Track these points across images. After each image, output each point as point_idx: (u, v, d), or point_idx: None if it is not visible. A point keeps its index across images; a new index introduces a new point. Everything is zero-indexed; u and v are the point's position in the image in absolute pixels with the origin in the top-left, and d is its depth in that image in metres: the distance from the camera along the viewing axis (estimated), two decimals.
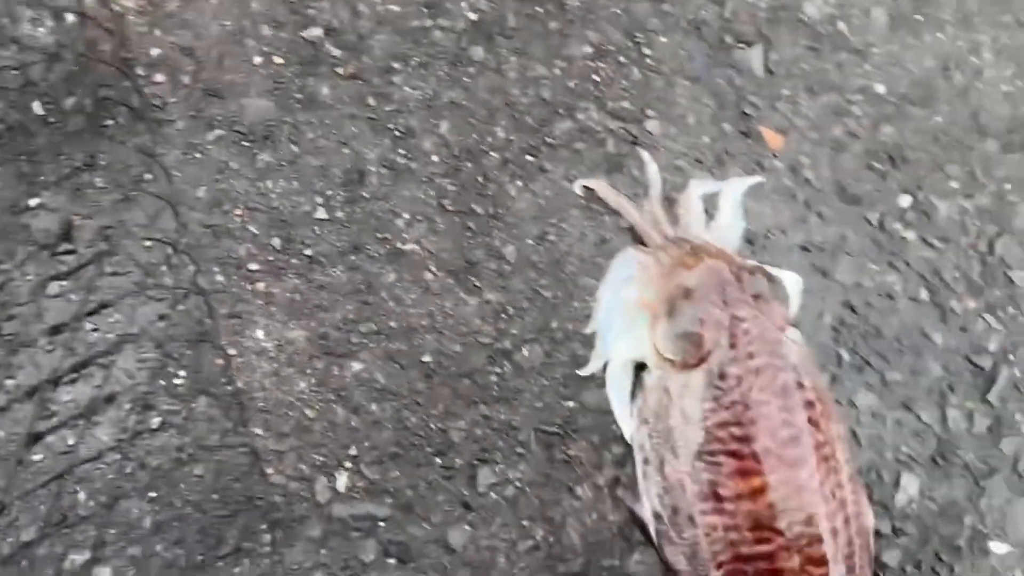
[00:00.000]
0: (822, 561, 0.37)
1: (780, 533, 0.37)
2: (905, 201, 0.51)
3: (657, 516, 0.39)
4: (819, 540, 0.37)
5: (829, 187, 0.49)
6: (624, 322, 0.40)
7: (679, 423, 0.38)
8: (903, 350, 0.48)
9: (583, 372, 0.44)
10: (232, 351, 0.42)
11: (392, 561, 0.40)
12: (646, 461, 0.39)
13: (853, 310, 0.48)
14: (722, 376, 0.38)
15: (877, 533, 0.45)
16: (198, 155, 0.46)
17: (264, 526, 0.40)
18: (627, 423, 0.41)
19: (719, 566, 0.37)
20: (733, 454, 0.37)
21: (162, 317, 0.42)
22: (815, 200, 0.49)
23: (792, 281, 0.44)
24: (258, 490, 0.40)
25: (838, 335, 0.47)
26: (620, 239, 0.46)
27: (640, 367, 0.42)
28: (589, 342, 0.45)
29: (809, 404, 0.38)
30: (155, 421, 0.41)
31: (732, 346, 0.38)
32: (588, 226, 0.47)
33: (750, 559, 0.37)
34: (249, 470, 0.40)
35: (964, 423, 0.47)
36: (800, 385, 0.38)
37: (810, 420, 0.38)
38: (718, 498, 0.37)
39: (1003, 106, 0.52)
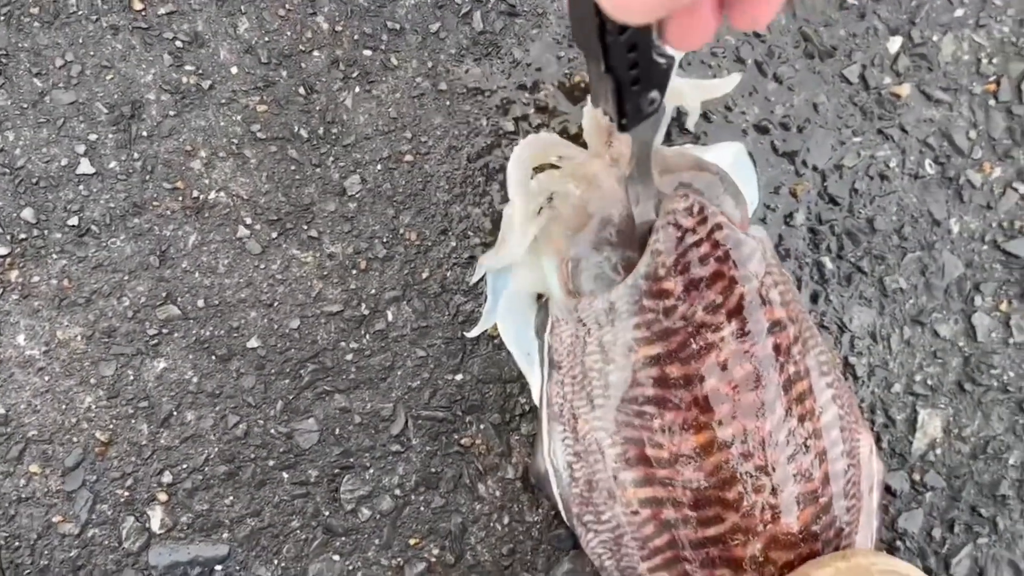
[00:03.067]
0: (791, 543, 0.37)
1: (733, 508, 0.37)
2: (894, 44, 0.51)
3: (567, 496, 0.39)
4: (787, 513, 0.37)
5: (789, 38, 0.49)
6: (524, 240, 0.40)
7: (598, 362, 0.38)
8: (907, 246, 0.48)
9: (472, 333, 0.44)
10: None
11: None
12: (554, 418, 0.39)
13: (834, 201, 0.48)
14: (656, 292, 0.37)
15: (891, 492, 0.46)
16: None
17: None
18: (533, 372, 0.42)
19: (650, 556, 0.38)
20: (668, 402, 0.37)
21: None
22: (771, 59, 0.49)
23: (733, 153, 0.44)
24: (42, 546, 0.40)
25: (816, 238, 0.48)
26: (504, 145, 0.46)
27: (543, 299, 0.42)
28: (475, 292, 0.45)
29: (777, 326, 0.38)
30: None
31: (671, 250, 0.37)
32: (458, 134, 0.46)
33: (695, 546, 0.38)
34: (29, 523, 0.41)
35: (999, 332, 0.48)
36: (764, 301, 0.37)
37: (777, 348, 0.37)
38: (647, 463, 0.38)
39: None
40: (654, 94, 0.29)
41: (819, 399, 0.40)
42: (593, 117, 0.41)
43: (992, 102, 0.51)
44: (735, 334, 0.38)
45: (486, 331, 0.46)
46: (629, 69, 0.27)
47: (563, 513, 0.40)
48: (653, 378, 0.38)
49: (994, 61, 0.52)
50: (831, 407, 0.40)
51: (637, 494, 0.39)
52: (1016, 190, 0.51)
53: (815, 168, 0.50)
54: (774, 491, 0.38)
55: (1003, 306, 0.50)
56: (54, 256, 0.45)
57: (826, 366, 0.41)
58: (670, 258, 0.38)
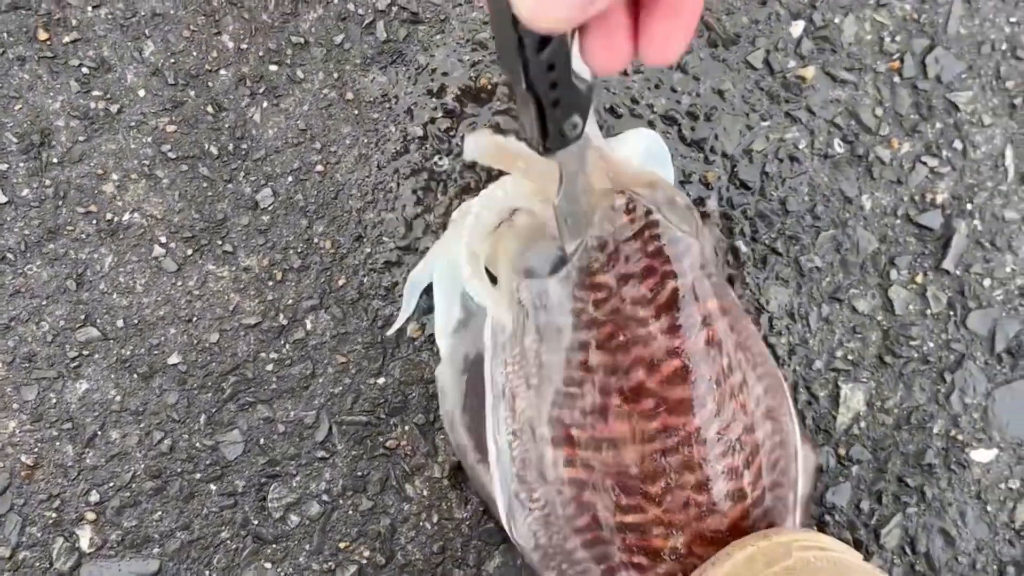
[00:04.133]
0: (718, 539, 0.42)
1: (655, 502, 0.42)
2: (796, 28, 0.57)
3: (506, 475, 0.44)
4: (714, 511, 0.42)
5: None
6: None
7: (534, 343, 0.44)
8: (820, 225, 0.55)
9: (392, 329, 0.49)
10: None
11: None
12: (498, 397, 0.44)
13: (745, 186, 0.54)
14: (588, 285, 0.42)
15: (819, 469, 0.52)
16: None
17: None
18: (445, 341, 0.47)
19: (575, 534, 0.43)
20: (594, 387, 0.42)
21: None
22: None
23: (646, 142, 0.49)
24: None
25: (730, 223, 0.54)
26: (413, 150, 0.52)
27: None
28: (392, 296, 0.51)
29: (708, 319, 0.43)
30: None
31: (603, 245, 0.42)
32: (368, 142, 0.53)
33: (615, 530, 0.43)
34: None
35: (916, 304, 0.55)
36: (697, 296, 0.42)
37: (709, 343, 0.43)
38: (572, 443, 0.43)
39: None
40: (575, 119, 0.32)
41: (752, 392, 0.44)
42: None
43: (897, 79, 0.58)
44: (664, 330, 0.41)
45: (406, 333, 0.52)
46: (550, 88, 0.30)
47: (499, 495, 0.45)
48: (581, 362, 0.42)
49: (897, 39, 0.59)
50: (764, 400, 0.44)
51: (562, 473, 0.43)
52: (925, 164, 0.57)
53: (725, 155, 0.56)
54: (701, 488, 0.41)
55: (919, 278, 0.56)
56: None
57: (759, 357, 0.45)
58: (603, 253, 0.42)
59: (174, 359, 0.51)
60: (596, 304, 0.42)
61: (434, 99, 0.55)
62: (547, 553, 0.45)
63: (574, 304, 0.43)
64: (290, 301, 0.52)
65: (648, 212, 0.42)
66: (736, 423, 0.42)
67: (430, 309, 0.52)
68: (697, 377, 0.42)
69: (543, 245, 0.45)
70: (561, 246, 0.42)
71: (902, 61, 0.58)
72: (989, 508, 0.54)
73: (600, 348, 0.42)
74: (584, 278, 0.43)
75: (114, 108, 0.53)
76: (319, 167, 0.54)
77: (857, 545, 0.53)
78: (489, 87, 0.55)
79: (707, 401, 0.42)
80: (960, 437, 0.55)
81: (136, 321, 0.51)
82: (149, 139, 0.53)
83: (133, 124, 0.53)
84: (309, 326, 0.52)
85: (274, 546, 0.50)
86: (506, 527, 0.45)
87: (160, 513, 0.49)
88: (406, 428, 0.51)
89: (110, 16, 0.54)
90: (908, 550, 0.53)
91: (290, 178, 0.53)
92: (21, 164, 0.52)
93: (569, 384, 0.43)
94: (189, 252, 0.52)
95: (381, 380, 0.52)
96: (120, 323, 0.51)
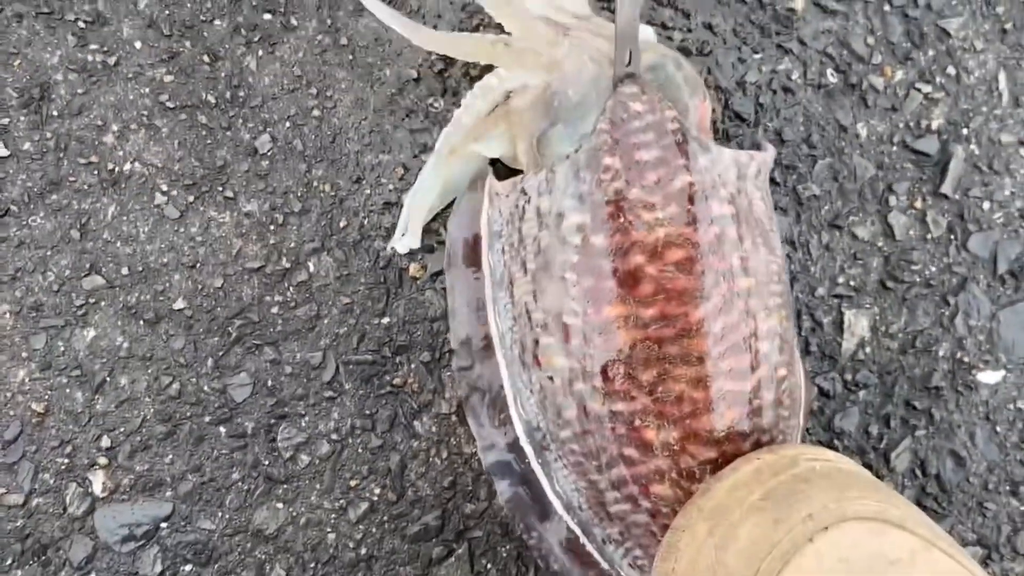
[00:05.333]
0: (713, 440, 0.41)
1: (646, 391, 0.41)
2: None
3: (509, 359, 0.44)
4: (711, 410, 0.41)
5: None
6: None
7: (532, 228, 0.44)
8: (816, 154, 0.55)
9: (393, 246, 0.50)
10: None
11: (188, 568, 0.47)
12: (496, 285, 0.46)
13: (740, 118, 0.55)
14: (594, 166, 0.42)
15: (825, 394, 0.52)
16: None
17: (10, 561, 0.46)
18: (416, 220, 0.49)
19: (564, 427, 0.43)
20: (588, 270, 0.41)
21: None
22: None
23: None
24: None
25: None
26: (409, 92, 0.53)
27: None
28: (393, 232, 0.51)
29: (722, 219, 0.42)
30: None
31: (616, 127, 0.42)
32: (363, 86, 0.53)
33: (600, 419, 0.42)
34: None
35: (916, 229, 0.55)
36: (712, 195, 0.42)
37: (720, 238, 0.41)
38: (564, 331, 0.42)
39: None
40: None
41: (763, 301, 0.42)
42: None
43: (887, 7, 0.58)
44: (673, 218, 0.41)
45: (409, 273, 0.52)
46: None
47: (505, 380, 0.45)
48: (576, 245, 0.42)
49: None
50: (774, 315, 0.43)
51: (551, 361, 0.42)
52: (919, 90, 0.58)
53: (719, 88, 0.57)
54: (698, 383, 0.41)
55: (918, 203, 0.56)
56: None
57: (776, 275, 0.44)
58: (613, 135, 0.42)
59: (179, 304, 0.51)
60: (599, 183, 0.41)
61: None
62: (542, 444, 0.45)
63: (578, 185, 0.42)
64: (292, 244, 0.52)
65: (664, 104, 0.42)
66: (743, 326, 0.41)
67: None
68: (705, 268, 0.41)
69: (552, 108, 0.45)
70: (615, 65, 0.43)
71: None
72: (999, 429, 0.54)
73: (599, 230, 0.41)
74: (591, 158, 0.42)
75: (111, 60, 0.53)
76: (316, 112, 0.54)
77: (867, 469, 0.53)
78: (480, 28, 0.56)
79: (712, 295, 0.40)
80: (966, 359, 0.55)
81: (140, 268, 0.51)
82: (147, 90, 0.53)
83: (131, 76, 0.53)
84: (312, 268, 0.52)
85: (285, 486, 0.50)
86: (512, 414, 0.45)
87: (171, 456, 0.50)
88: (412, 366, 0.52)
89: None
90: (919, 473, 0.54)
91: (288, 124, 0.54)
92: (22, 118, 0.52)
93: (565, 268, 0.42)
94: (191, 199, 0.52)
95: (386, 320, 0.52)
96: (125, 270, 0.51)
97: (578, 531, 0.46)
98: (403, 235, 0.51)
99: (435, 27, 0.55)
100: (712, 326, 0.40)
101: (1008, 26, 0.59)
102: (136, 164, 0.52)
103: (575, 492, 0.45)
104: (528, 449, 0.45)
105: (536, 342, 0.43)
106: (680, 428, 0.41)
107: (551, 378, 0.43)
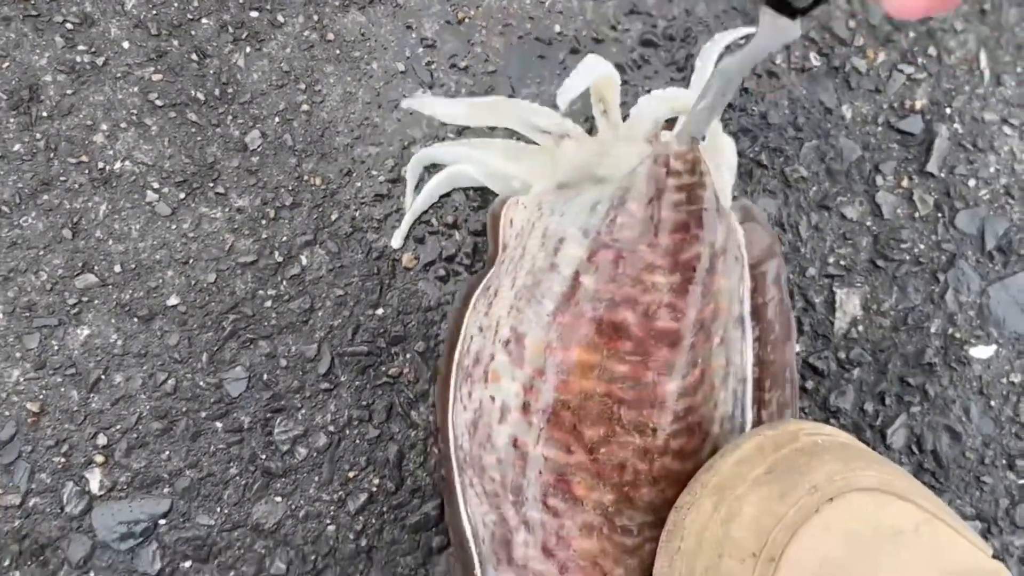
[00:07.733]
0: (651, 509, 0.40)
1: (586, 448, 0.40)
2: None
3: (461, 364, 0.45)
4: (652, 484, 0.39)
5: None
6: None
7: (534, 246, 0.43)
8: (803, 136, 0.55)
9: (395, 242, 0.50)
10: None
11: (188, 564, 0.47)
12: (483, 291, 0.46)
13: (728, 105, 0.55)
14: (614, 205, 0.40)
15: (819, 373, 0.52)
16: None
17: (8, 562, 0.46)
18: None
19: (493, 449, 0.42)
20: (569, 304, 0.40)
21: None
22: None
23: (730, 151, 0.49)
24: None
25: None
26: (396, 85, 0.53)
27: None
28: (385, 228, 0.52)
29: (713, 299, 0.41)
30: None
31: (649, 179, 0.40)
32: (351, 80, 0.53)
33: (536, 461, 0.41)
34: None
35: (904, 207, 0.55)
36: (713, 273, 0.41)
37: (713, 315, 0.41)
38: (520, 357, 0.41)
39: None
40: None
41: (732, 388, 0.43)
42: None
43: None
44: (671, 286, 0.40)
45: (402, 263, 0.52)
46: None
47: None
48: (566, 277, 0.40)
49: None
50: (732, 398, 0.43)
51: (499, 380, 0.41)
52: (902, 71, 0.58)
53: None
54: (645, 455, 0.39)
55: (904, 183, 0.57)
56: None
57: (745, 365, 0.44)
58: (644, 186, 0.40)
59: (173, 301, 0.51)
60: (609, 226, 0.40)
61: (413, 34, 0.56)
62: (464, 460, 0.44)
63: (588, 219, 0.41)
64: (284, 238, 0.53)
65: (705, 172, 0.40)
66: (703, 408, 0.41)
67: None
68: (691, 344, 0.40)
69: (573, 189, 0.45)
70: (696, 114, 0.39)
71: None
72: (993, 403, 0.55)
73: (594, 270, 0.40)
74: (613, 197, 0.41)
75: (100, 61, 0.54)
76: (305, 107, 0.54)
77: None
78: (467, 21, 0.56)
79: (689, 373, 0.40)
80: (958, 335, 0.55)
81: (133, 266, 0.51)
82: (136, 89, 0.54)
83: (119, 75, 0.54)
84: (305, 261, 0.52)
85: (283, 479, 0.50)
86: (448, 422, 0.46)
87: (168, 453, 0.50)
88: (407, 356, 0.52)
89: None
90: (916, 449, 0.54)
91: (277, 119, 0.54)
92: (12, 120, 0.52)
93: (547, 297, 0.41)
94: (182, 196, 0.52)
95: (380, 311, 0.52)
96: (118, 268, 0.51)
97: (476, 562, 0.44)
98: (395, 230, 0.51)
99: (420, 20, 0.56)
100: (677, 404, 0.40)
101: (987, 6, 0.60)
102: (127, 162, 0.53)
103: (481, 524, 0.43)
104: (453, 463, 0.46)
105: (492, 356, 0.42)
106: (616, 493, 0.40)
107: (492, 398, 0.42)
